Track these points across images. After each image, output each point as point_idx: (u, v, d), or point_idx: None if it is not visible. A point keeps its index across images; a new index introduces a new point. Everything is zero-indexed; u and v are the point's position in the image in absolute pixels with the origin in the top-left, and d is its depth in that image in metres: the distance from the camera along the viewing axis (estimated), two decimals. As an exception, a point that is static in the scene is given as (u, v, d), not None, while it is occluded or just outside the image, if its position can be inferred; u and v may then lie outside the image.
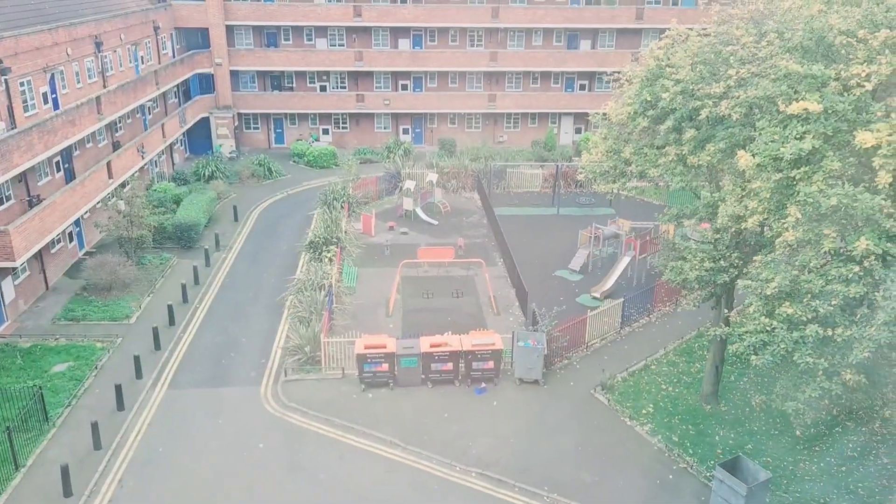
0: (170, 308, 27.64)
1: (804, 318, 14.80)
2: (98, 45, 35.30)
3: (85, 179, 30.88)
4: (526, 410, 22.54)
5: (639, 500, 18.89)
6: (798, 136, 15.47)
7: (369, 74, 51.03)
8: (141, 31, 41.61)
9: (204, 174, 43.00)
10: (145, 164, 39.34)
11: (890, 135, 14.52)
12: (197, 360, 25.19)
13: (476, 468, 19.92)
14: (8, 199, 27.61)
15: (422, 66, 50.44)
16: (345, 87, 51.51)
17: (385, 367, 23.24)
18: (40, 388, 21.83)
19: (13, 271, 27.30)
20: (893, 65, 15.10)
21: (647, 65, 20.66)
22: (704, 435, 21.20)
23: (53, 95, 31.46)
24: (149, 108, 42.66)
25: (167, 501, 18.74)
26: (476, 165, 44.11)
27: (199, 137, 49.43)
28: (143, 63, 42.08)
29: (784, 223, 15.44)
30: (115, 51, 37.79)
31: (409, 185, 39.45)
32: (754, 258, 17.09)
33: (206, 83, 49.36)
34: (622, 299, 27.01)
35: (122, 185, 35.33)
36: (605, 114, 22.31)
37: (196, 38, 49.89)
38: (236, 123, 50.12)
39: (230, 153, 49.08)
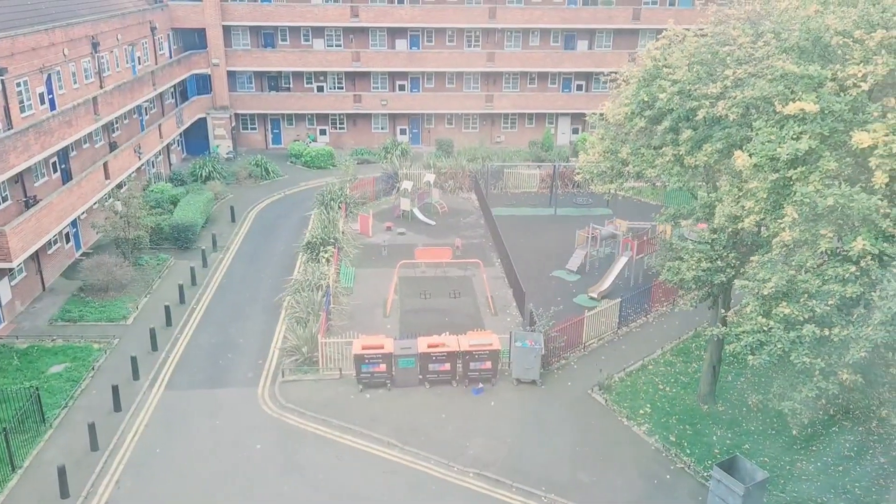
0: (167, 309, 27.60)
1: (801, 318, 14.82)
2: (95, 45, 35.25)
3: (82, 180, 30.82)
4: (523, 411, 22.54)
5: (636, 500, 18.90)
6: (795, 137, 15.49)
7: (366, 75, 51.02)
8: (138, 31, 41.55)
9: (201, 175, 42.95)
10: (142, 165, 39.30)
11: (886, 135, 14.55)
12: (194, 361, 25.15)
13: (473, 468, 19.92)
14: (4, 199, 27.55)
15: (419, 66, 50.44)
16: (342, 88, 51.51)
17: (383, 367, 23.22)
18: (37, 389, 21.77)
19: (10, 272, 27.24)
20: (890, 65, 15.12)
21: (644, 65, 20.67)
22: (701, 435, 21.22)
23: (50, 96, 31.40)
24: (146, 108, 42.59)
25: (164, 503, 18.70)
26: (473, 166, 44.13)
27: (196, 138, 49.38)
28: (139, 63, 42.04)
29: (781, 223, 15.45)
30: (111, 51, 37.74)
31: (407, 185, 39.44)
32: (751, 258, 17.10)
33: (203, 84, 49.31)
34: (619, 299, 27.03)
35: (119, 186, 35.27)
36: (602, 114, 22.34)
37: (193, 39, 49.88)
38: (233, 124, 50.07)
39: (227, 154, 49.03)
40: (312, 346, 24.52)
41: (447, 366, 23.54)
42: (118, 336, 26.54)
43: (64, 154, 32.41)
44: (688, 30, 20.74)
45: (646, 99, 19.80)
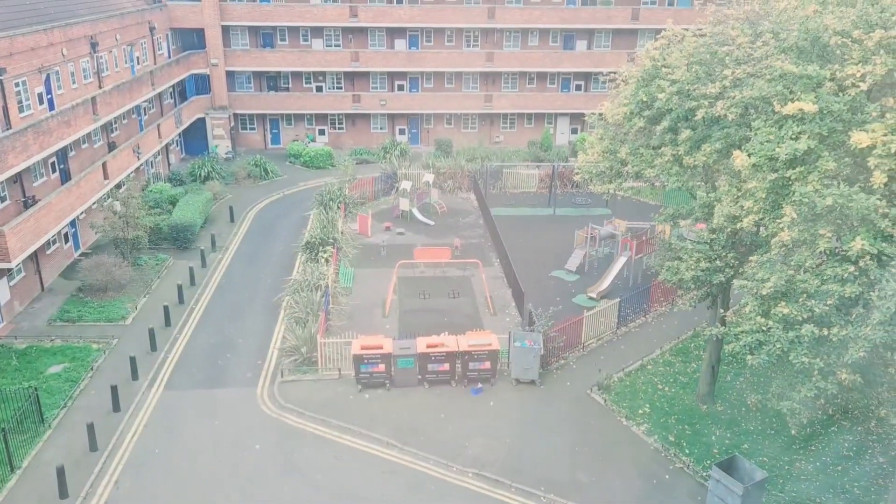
0: (166, 309, 27.58)
1: (800, 318, 14.83)
2: (94, 45, 35.23)
3: (80, 180, 30.81)
4: (522, 411, 22.54)
5: (635, 500, 18.90)
6: (793, 137, 15.50)
7: (365, 75, 51.02)
8: (137, 31, 41.54)
9: (200, 175, 42.93)
10: (141, 165, 39.27)
11: (885, 135, 14.55)
12: (193, 361, 25.14)
13: (473, 468, 19.92)
14: (3, 199, 27.54)
15: (418, 66, 50.45)
16: (341, 88, 51.51)
17: (382, 367, 23.22)
18: (36, 389, 21.76)
19: (8, 272, 27.22)
20: (888, 65, 15.12)
21: (643, 65, 20.68)
22: (700, 435, 21.23)
23: (49, 96, 31.38)
24: (144, 108, 42.58)
25: (163, 503, 18.69)
26: (472, 166, 44.12)
27: (195, 138, 49.36)
28: (138, 63, 42.02)
29: (780, 223, 15.46)
30: (110, 51, 37.72)
31: (406, 185, 39.44)
32: (750, 258, 17.10)
33: (201, 84, 49.29)
34: (618, 299, 27.03)
35: (118, 186, 35.26)
36: (601, 114, 22.34)
37: (192, 39, 49.87)
38: (232, 124, 50.06)
39: (226, 154, 49.02)
40: (311, 346, 24.51)
41: (446, 366, 23.54)
42: (117, 336, 26.52)
43: (63, 154, 32.39)
44: (687, 30, 20.76)
45: (645, 99, 19.82)
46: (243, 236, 36.56)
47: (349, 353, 23.70)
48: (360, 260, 33.31)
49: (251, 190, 43.43)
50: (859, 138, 14.59)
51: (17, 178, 28.32)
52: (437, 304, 29.12)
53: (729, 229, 18.18)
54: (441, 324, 27.08)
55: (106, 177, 33.36)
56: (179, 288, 29.45)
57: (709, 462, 19.52)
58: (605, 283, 30.05)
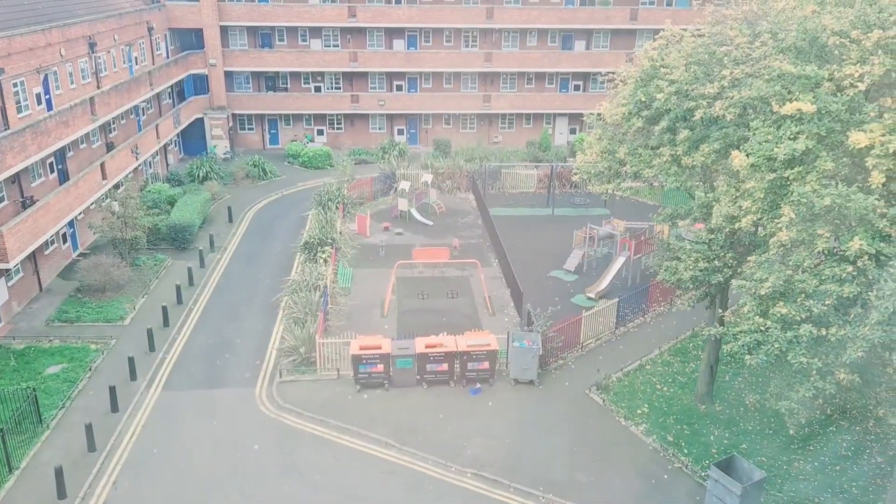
0: (164, 309, 27.56)
1: (798, 318, 14.84)
2: (92, 45, 35.20)
3: (79, 180, 30.79)
4: (521, 411, 22.54)
5: (634, 500, 18.91)
6: (792, 137, 15.51)
7: (364, 75, 51.00)
8: (135, 31, 41.50)
9: (198, 175, 42.90)
10: (139, 165, 39.22)
11: (883, 135, 14.57)
12: (191, 362, 25.12)
13: (471, 469, 19.91)
14: (1, 200, 27.51)
15: (416, 66, 50.45)
16: (339, 88, 51.49)
17: (380, 367, 23.21)
18: (34, 389, 21.75)
19: (6, 273, 27.18)
20: (886, 65, 15.14)
21: (642, 65, 20.69)
22: (699, 435, 21.24)
23: (47, 96, 31.35)
24: (143, 108, 42.54)
25: (162, 503, 18.68)
26: (471, 166, 44.11)
27: (193, 138, 49.33)
28: (137, 64, 41.99)
29: (778, 223, 15.48)
30: (108, 51, 37.69)
31: (404, 185, 39.44)
32: (748, 258, 17.11)
33: (200, 84, 49.25)
34: (617, 299, 27.04)
35: (116, 187, 35.23)
36: (599, 114, 22.34)
37: (190, 39, 49.81)
38: (231, 124, 50.02)
39: (224, 154, 48.99)
40: (310, 346, 24.50)
41: (445, 366, 23.53)
42: (115, 337, 26.50)
43: (61, 154, 32.37)
44: (685, 30, 20.77)
45: (643, 99, 19.83)
46: (242, 236, 36.54)
47: (348, 354, 23.70)
48: (358, 260, 33.30)
49: (249, 190, 43.41)
50: (857, 138, 14.61)
51: (16, 179, 28.28)
52: (436, 304, 29.11)
53: (727, 229, 18.19)
54: (440, 324, 27.08)
55: (104, 177, 33.34)
56: (178, 288, 29.43)
57: (707, 462, 19.51)
58: (604, 283, 30.06)
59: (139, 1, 44.80)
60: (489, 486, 19.38)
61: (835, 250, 15.16)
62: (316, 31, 50.03)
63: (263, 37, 50.24)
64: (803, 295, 14.94)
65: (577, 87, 53.47)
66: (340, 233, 34.43)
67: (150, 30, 43.57)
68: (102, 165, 33.24)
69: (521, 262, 31.54)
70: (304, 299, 26.87)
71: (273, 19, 48.35)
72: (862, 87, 15.30)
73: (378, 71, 50.60)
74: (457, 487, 19.33)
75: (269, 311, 28.57)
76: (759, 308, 15.66)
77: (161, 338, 26.38)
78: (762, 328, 15.38)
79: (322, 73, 50.89)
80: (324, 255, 30.36)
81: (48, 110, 30.91)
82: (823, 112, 15.42)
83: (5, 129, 27.26)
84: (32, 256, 28.92)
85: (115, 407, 22.22)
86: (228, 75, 49.69)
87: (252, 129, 52.23)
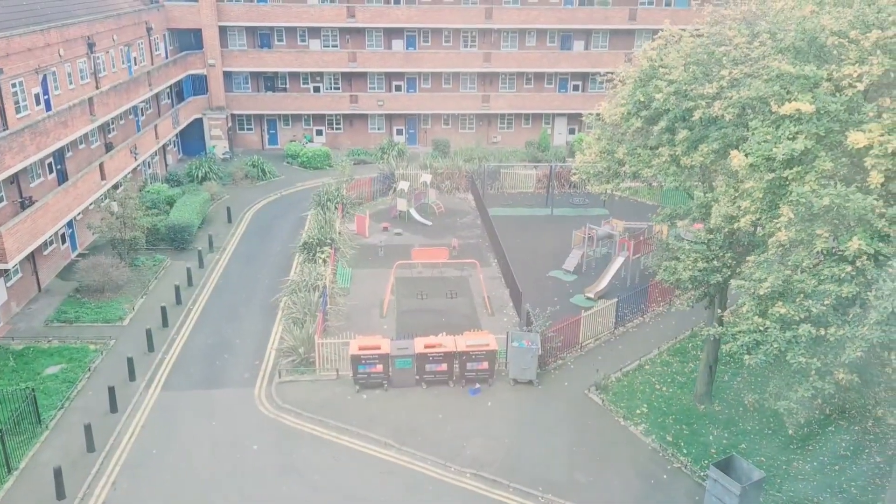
0: (163, 310, 27.55)
1: (797, 318, 14.84)
2: (90, 45, 35.18)
3: (77, 181, 30.78)
4: (520, 411, 22.55)
5: (633, 500, 18.91)
6: (790, 137, 15.52)
7: (363, 75, 50.99)
8: (134, 31, 41.48)
9: (197, 175, 42.89)
10: (138, 166, 39.20)
11: (882, 135, 14.56)
12: (190, 362, 25.11)
13: (470, 469, 19.92)
14: (0, 200, 27.47)
15: (415, 66, 50.45)
16: (338, 88, 51.49)
17: (379, 368, 23.21)
18: (33, 390, 21.73)
19: (5, 273, 27.16)
20: (885, 65, 15.15)
21: (641, 65, 20.71)
22: (698, 434, 21.25)
23: (45, 97, 31.32)
24: (142, 109, 42.51)
25: (161, 504, 18.71)
26: (470, 166, 44.13)
27: (192, 139, 49.31)
28: (135, 64, 41.96)
29: (777, 223, 15.49)
30: (107, 52, 37.66)
31: (403, 185, 39.44)
32: (747, 258, 17.12)
33: (199, 84, 49.25)
34: (616, 299, 27.05)
35: (115, 187, 35.22)
36: (598, 114, 22.35)
37: (189, 39, 49.78)
38: (229, 124, 50.01)
39: (223, 154, 48.97)
40: (309, 346, 24.49)
41: (444, 366, 23.53)
42: (114, 337, 26.48)
43: (60, 155, 32.34)
44: (684, 30, 20.79)
45: (642, 99, 19.85)
46: (241, 237, 36.53)
47: (347, 354, 23.69)
48: (357, 260, 33.30)
49: (248, 190, 43.40)
50: (856, 138, 14.61)
51: (14, 179, 28.26)
52: (435, 304, 29.11)
53: (726, 229, 18.19)
54: (439, 324, 27.08)
55: (103, 177, 33.32)
56: (177, 289, 29.42)
57: (706, 462, 19.51)
58: (603, 283, 30.07)
59: (138, 1, 44.79)
60: (488, 486, 19.38)
61: (834, 250, 15.17)
62: (315, 32, 50.03)
63: (262, 37, 50.23)
64: (802, 295, 14.95)
65: (575, 88, 53.50)
66: (339, 233, 34.43)
67: (148, 30, 43.55)
68: (101, 166, 33.23)
69: (520, 262, 31.54)
70: (303, 299, 26.87)
71: (272, 19, 48.34)
72: (861, 87, 15.31)
73: (377, 71, 50.60)
74: (456, 488, 19.33)
75: (268, 312, 28.57)
76: (758, 308, 15.67)
77: (160, 338, 26.37)
78: (761, 328, 15.39)
79: (321, 74, 50.89)
80: (323, 256, 30.36)
81: (47, 111, 30.89)
82: (822, 112, 15.43)
83: (4, 130, 27.25)
84: (31, 257, 28.91)
85: (114, 407, 22.21)
86: (227, 75, 49.68)
87: (251, 129, 52.22)
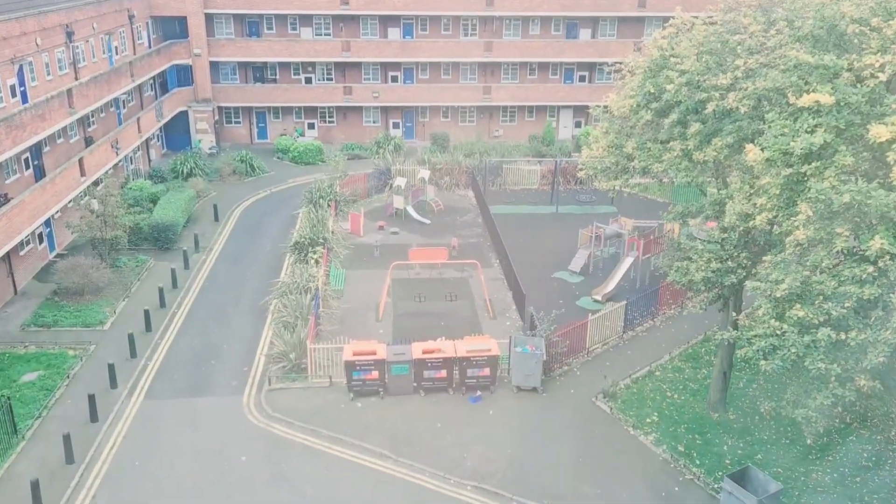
0: (146, 313, 27.56)
1: (816, 321, 14.87)
2: (69, 34, 35.19)
3: (56, 177, 30.77)
4: (523, 419, 22.57)
5: (643, 514, 18.96)
6: (809, 130, 15.55)
7: (357, 65, 51.03)
8: (115, 19, 41.50)
9: (182, 171, 42.92)
10: (120, 161, 39.19)
11: (905, 128, 14.61)
12: (175, 369, 25.12)
13: (471, 481, 19.93)
14: (-27, 197, 27.51)
15: (412, 56, 50.48)
16: (331, 79, 51.53)
17: (375, 374, 23.22)
18: (9, 398, 21.70)
19: (-21, 275, 27.19)
20: (908, 55, 15.20)
21: (651, 55, 20.74)
22: (712, 444, 21.28)
23: (22, 88, 31.33)
24: (123, 101, 42.56)
25: (144, 518, 18.72)
26: (470, 161, 44.16)
27: (176, 132, 49.32)
28: (117, 54, 41.98)
29: (794, 221, 15.50)
30: (87, 41, 37.67)
31: (400, 182, 39.47)
32: (763, 258, 17.16)
33: (184, 75, 49.26)
34: (625, 302, 27.08)
35: (96, 184, 35.18)
36: (606, 107, 22.36)
37: (173, 28, 49.82)
38: (216, 117, 50.05)
39: (210, 149, 49.01)
40: (300, 352, 24.51)
41: (443, 372, 23.55)
42: (95, 342, 26.49)
43: (37, 149, 32.36)
44: (696, 17, 20.83)
45: (652, 90, 19.87)
46: (228, 236, 36.56)
47: (340, 360, 23.71)
48: (351, 261, 33.32)
49: (236, 187, 43.42)
50: (878, 132, 14.64)
51: (-11, 175, 28.29)
52: (434, 307, 29.14)
53: (741, 228, 18.22)
54: (438, 328, 27.10)
55: (83, 173, 33.32)
56: (161, 291, 29.43)
57: (720, 473, 19.55)
58: (611, 284, 30.10)
59: (119, -13, 44.81)
60: (490, 498, 19.39)
61: (854, 250, 15.21)
62: (306, 19, 50.06)
63: (251, 25, 50.26)
64: (821, 297, 14.98)
65: (582, 78, 53.55)
66: (333, 232, 34.46)
67: (130, 18, 43.58)
68: (81, 161, 33.22)
69: (523, 262, 31.56)
70: (294, 302, 26.89)
71: (261, 6, 48.37)
72: (883, 77, 15.35)
73: (372, 61, 50.63)
74: (456, 500, 19.34)
75: (258, 315, 28.59)
76: (775, 311, 15.70)
77: (143, 343, 26.37)
78: (778, 332, 15.43)
79: (313, 64, 50.91)
80: (315, 256, 30.39)
81: (23, 103, 30.88)
82: (842, 104, 15.46)
83: (-22, 123, 27.25)
84: (7, 257, 28.90)
85: (94, 416, 22.21)
86: (214, 66, 49.68)
87: (239, 122, 52.25)
